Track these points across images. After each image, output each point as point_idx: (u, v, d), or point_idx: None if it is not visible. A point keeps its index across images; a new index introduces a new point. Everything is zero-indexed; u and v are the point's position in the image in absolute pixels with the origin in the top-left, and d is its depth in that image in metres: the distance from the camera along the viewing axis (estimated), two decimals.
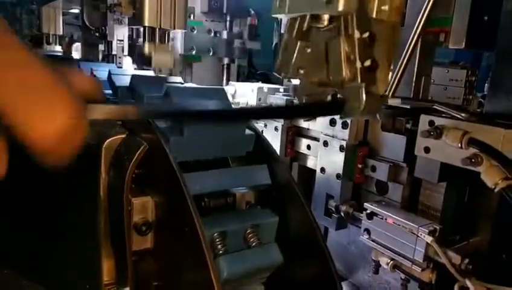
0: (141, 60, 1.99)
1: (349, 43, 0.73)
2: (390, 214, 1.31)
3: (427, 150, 1.26)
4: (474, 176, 1.12)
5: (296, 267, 1.01)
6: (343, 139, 1.52)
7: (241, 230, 0.96)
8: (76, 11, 3.56)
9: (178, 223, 0.83)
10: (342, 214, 1.54)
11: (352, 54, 0.73)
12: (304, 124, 1.75)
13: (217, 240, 0.90)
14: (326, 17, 0.78)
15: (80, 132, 0.45)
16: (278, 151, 1.59)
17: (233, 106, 1.27)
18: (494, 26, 1.20)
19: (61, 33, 3.37)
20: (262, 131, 1.77)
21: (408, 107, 1.36)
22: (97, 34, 2.41)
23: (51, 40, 3.43)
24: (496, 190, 1.05)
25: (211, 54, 2.73)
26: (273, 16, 0.83)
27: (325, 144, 1.59)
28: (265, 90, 2.11)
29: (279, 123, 1.81)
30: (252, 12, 3.02)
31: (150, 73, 1.99)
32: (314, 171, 1.67)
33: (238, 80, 3.04)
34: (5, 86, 0.39)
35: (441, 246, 1.20)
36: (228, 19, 2.89)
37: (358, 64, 0.71)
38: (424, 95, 1.32)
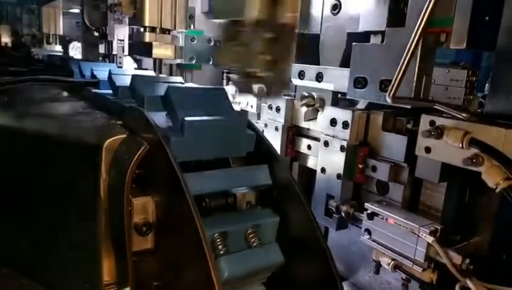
0: (140, 49, 1.97)
1: (261, 42, 0.98)
2: (391, 214, 1.31)
3: (427, 150, 1.26)
4: (475, 176, 1.12)
5: (297, 268, 1.01)
6: (343, 139, 1.52)
7: (242, 230, 0.96)
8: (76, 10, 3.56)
9: (179, 223, 0.83)
10: (343, 214, 1.54)
11: (263, 50, 0.98)
12: (304, 124, 1.75)
13: (218, 240, 0.90)
14: (246, 22, 1.00)
15: None
16: (278, 151, 1.59)
17: (234, 106, 1.26)
18: (495, 27, 1.20)
19: (61, 33, 3.37)
20: (262, 131, 1.77)
21: (409, 107, 1.35)
22: (97, 34, 2.41)
23: (51, 39, 3.43)
24: (497, 190, 1.05)
25: (210, 62, 2.71)
26: (210, 20, 1.14)
27: (326, 144, 1.59)
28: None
29: (280, 123, 1.81)
30: None
31: (151, 73, 1.99)
32: (315, 171, 1.67)
33: None
34: None
35: (442, 246, 1.19)
36: None
37: (264, 58, 0.99)
38: (425, 95, 1.31)
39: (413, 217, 1.29)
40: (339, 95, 1.65)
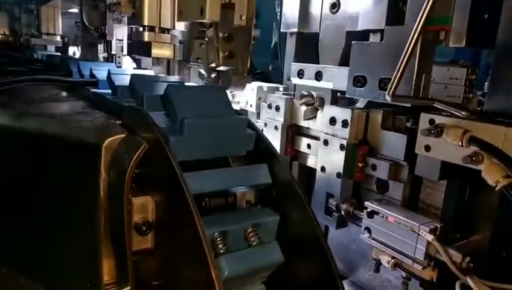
0: (139, 49, 1.96)
1: (217, 40, 1.17)
2: (391, 213, 1.31)
3: (427, 148, 1.26)
4: (475, 174, 1.12)
5: (297, 266, 1.01)
6: (343, 138, 1.52)
7: (242, 229, 0.96)
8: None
9: (179, 222, 0.83)
10: (343, 212, 1.54)
11: (218, 46, 1.17)
12: (304, 123, 1.75)
13: (218, 239, 0.90)
14: (206, 23, 1.17)
15: None
16: (278, 150, 1.59)
17: (233, 105, 1.29)
18: (494, 25, 1.20)
19: (60, 32, 3.36)
20: (262, 130, 1.77)
21: (408, 105, 1.35)
22: (96, 33, 2.41)
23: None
24: (497, 188, 1.05)
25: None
26: (177, 21, 1.32)
27: (325, 142, 1.59)
28: (265, 89, 2.10)
29: (279, 122, 1.80)
30: None
31: (150, 72, 1.99)
32: (315, 170, 1.67)
33: None
34: None
35: (441, 244, 1.19)
36: None
37: (221, 54, 1.17)
38: (424, 94, 1.31)
39: (413, 216, 1.29)
40: (339, 94, 1.65)
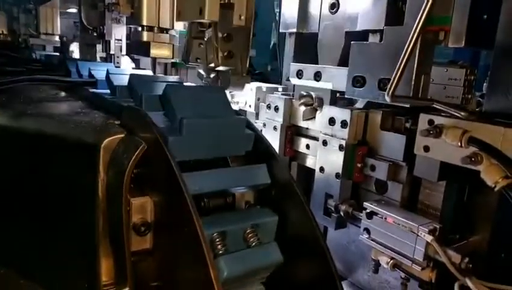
0: (138, 49, 1.95)
1: (216, 40, 1.16)
2: (390, 213, 1.31)
3: (426, 149, 1.26)
4: (474, 175, 1.12)
5: (296, 267, 1.01)
6: (342, 139, 1.52)
7: (241, 230, 0.96)
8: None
9: (177, 223, 0.83)
10: (342, 213, 1.54)
11: (217, 47, 1.16)
12: (303, 123, 1.75)
13: (217, 240, 0.90)
14: (205, 23, 1.16)
15: None
16: (277, 150, 1.59)
17: (232, 105, 1.29)
18: (493, 25, 1.20)
19: (58, 32, 3.35)
20: (261, 130, 1.77)
21: (407, 106, 1.35)
22: (95, 34, 2.40)
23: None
24: (496, 189, 1.05)
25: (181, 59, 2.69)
26: (176, 21, 1.31)
27: (324, 143, 1.58)
28: (264, 89, 2.10)
29: (278, 123, 1.80)
30: None
31: (149, 72, 1.99)
32: (313, 170, 1.67)
33: None
34: None
35: (440, 245, 1.19)
36: None
37: (220, 54, 1.17)
38: (423, 94, 1.31)
39: (412, 216, 1.29)
40: (338, 94, 1.65)
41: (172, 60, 2.56)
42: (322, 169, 1.61)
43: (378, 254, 1.37)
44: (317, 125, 1.66)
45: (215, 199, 1.01)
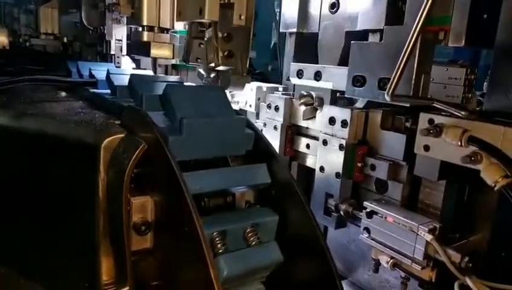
0: (138, 49, 1.95)
1: (216, 40, 1.16)
2: (390, 213, 1.31)
3: (426, 148, 1.26)
4: (474, 174, 1.12)
5: (296, 266, 1.01)
6: (342, 138, 1.52)
7: (241, 229, 0.96)
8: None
9: (178, 222, 0.83)
10: (342, 213, 1.54)
11: (218, 46, 1.16)
12: (303, 123, 1.75)
13: (217, 239, 0.90)
14: (205, 22, 1.16)
15: None
16: (277, 150, 1.59)
17: (233, 105, 1.29)
18: (493, 24, 1.20)
19: (58, 32, 3.35)
20: (261, 130, 1.77)
21: (407, 105, 1.35)
22: (96, 34, 2.40)
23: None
24: (496, 188, 1.05)
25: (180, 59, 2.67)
26: (176, 21, 1.25)
27: (325, 142, 1.59)
28: (264, 89, 2.10)
29: (279, 122, 1.80)
30: None
31: (149, 72, 1.99)
32: (314, 170, 1.67)
33: None
34: None
35: (440, 244, 1.19)
36: None
37: (220, 53, 1.16)
38: (423, 94, 1.31)
39: (412, 216, 1.29)
40: (338, 94, 1.65)
41: (173, 62, 2.56)
42: (322, 169, 1.61)
43: (378, 253, 1.37)
44: (318, 124, 1.66)
45: (216, 199, 1.02)
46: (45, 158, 1.10)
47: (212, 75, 1.37)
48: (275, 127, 1.82)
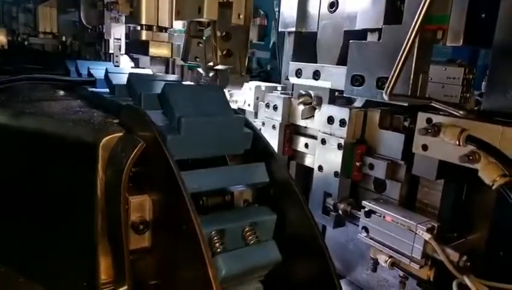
0: (137, 48, 1.94)
1: (215, 39, 1.16)
2: (388, 212, 1.31)
3: (424, 147, 1.26)
4: (472, 173, 1.12)
5: (295, 265, 1.01)
6: (341, 137, 1.52)
7: (239, 228, 0.96)
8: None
9: (176, 221, 0.83)
10: (340, 212, 1.54)
11: (216, 45, 1.16)
12: (301, 122, 1.75)
13: (215, 238, 0.90)
14: (204, 21, 1.16)
15: None
16: (275, 149, 1.59)
17: (231, 104, 1.29)
18: (491, 24, 1.20)
19: (56, 31, 3.35)
20: (260, 129, 1.77)
21: (406, 104, 1.35)
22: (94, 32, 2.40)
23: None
24: (494, 187, 1.05)
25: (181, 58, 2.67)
26: (175, 20, 1.33)
27: (323, 142, 1.59)
28: (263, 88, 2.11)
29: (277, 121, 1.80)
30: (262, 13, 2.95)
31: (148, 71, 1.99)
32: (312, 169, 1.67)
33: None
34: None
35: (439, 243, 1.20)
36: None
37: (219, 53, 1.16)
38: (421, 93, 1.31)
39: (411, 215, 1.29)
40: (336, 93, 1.65)
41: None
42: (320, 168, 1.61)
43: (376, 252, 1.37)
44: (316, 124, 1.67)
45: (214, 198, 1.02)
46: (44, 157, 1.09)
47: (211, 74, 1.38)
48: (274, 127, 1.82)
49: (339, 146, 1.52)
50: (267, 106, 1.86)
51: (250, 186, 1.07)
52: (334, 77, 1.58)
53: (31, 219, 1.12)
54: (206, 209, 0.99)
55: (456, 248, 1.21)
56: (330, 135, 1.56)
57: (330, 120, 1.57)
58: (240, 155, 1.09)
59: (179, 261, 0.84)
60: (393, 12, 1.38)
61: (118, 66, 2.23)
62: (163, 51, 1.26)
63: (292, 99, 1.80)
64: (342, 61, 1.59)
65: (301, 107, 1.70)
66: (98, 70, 1.69)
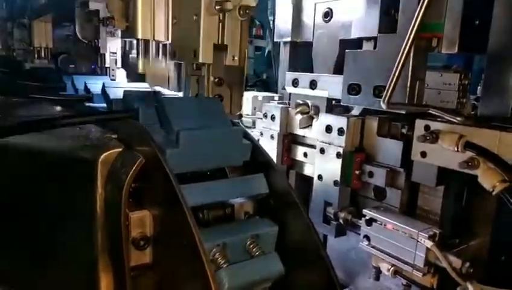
0: (134, 75, 1.95)
1: (208, 83, 1.20)
2: (389, 220, 1.31)
3: (423, 154, 1.26)
4: (472, 179, 1.12)
5: (297, 276, 1.00)
6: (339, 146, 1.52)
7: (241, 241, 0.95)
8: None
9: (177, 236, 0.82)
10: (341, 221, 1.54)
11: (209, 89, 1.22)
12: (300, 131, 1.75)
13: (217, 252, 0.89)
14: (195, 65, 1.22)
15: None
16: (274, 159, 1.59)
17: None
18: (485, 30, 1.22)
19: (51, 46, 3.36)
20: (258, 140, 1.77)
21: (403, 112, 1.36)
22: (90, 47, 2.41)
23: (42, 53, 3.42)
24: (494, 193, 1.05)
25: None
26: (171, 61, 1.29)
27: (322, 151, 1.59)
28: (260, 98, 2.11)
29: (275, 131, 1.80)
30: (258, 23, 2.97)
31: (144, 85, 1.99)
32: (312, 178, 1.67)
33: None
34: None
35: (441, 250, 1.19)
36: None
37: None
38: (418, 100, 1.32)
39: (412, 222, 1.29)
40: (334, 102, 1.66)
41: None
42: (320, 177, 1.61)
43: (378, 260, 1.37)
44: (314, 133, 1.67)
45: (214, 211, 1.01)
46: (42, 174, 1.09)
47: None
48: (272, 136, 1.82)
49: (338, 155, 1.52)
50: (265, 116, 1.86)
51: (250, 198, 1.06)
52: (331, 86, 1.59)
53: (29, 236, 1.11)
54: (207, 223, 0.98)
55: (458, 254, 1.21)
56: (329, 144, 1.56)
57: (328, 129, 1.57)
58: (239, 167, 1.09)
59: (181, 276, 0.83)
60: (388, 21, 1.39)
61: (114, 80, 2.24)
62: (160, 82, 1.27)
63: (289, 109, 1.80)
64: (338, 70, 1.60)
65: (299, 116, 1.70)
66: (95, 85, 1.69)
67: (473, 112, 1.69)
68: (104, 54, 2.24)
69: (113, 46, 2.21)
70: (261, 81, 3.31)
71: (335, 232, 1.59)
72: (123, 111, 1.20)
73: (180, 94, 1.45)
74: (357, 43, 1.52)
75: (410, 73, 1.25)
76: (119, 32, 2.13)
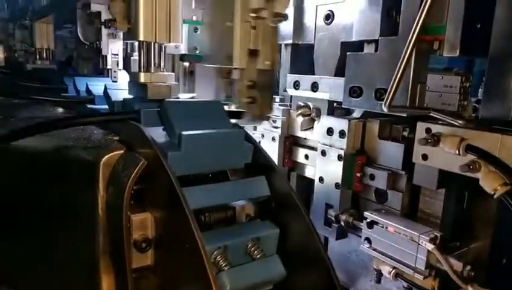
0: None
1: (241, 87, 1.18)
2: (390, 223, 1.31)
3: (425, 157, 1.26)
4: (473, 182, 1.12)
5: (298, 279, 1.00)
6: (340, 148, 1.52)
7: (243, 244, 0.95)
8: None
9: (178, 238, 0.83)
10: (342, 223, 1.54)
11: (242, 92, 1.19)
12: (301, 133, 1.75)
13: (219, 254, 0.90)
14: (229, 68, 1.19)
15: None
16: (275, 161, 1.59)
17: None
18: (487, 33, 1.22)
19: (53, 48, 3.36)
20: (259, 142, 1.77)
21: (404, 115, 1.36)
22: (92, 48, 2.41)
23: (44, 54, 3.42)
24: (495, 196, 1.05)
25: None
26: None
27: (323, 153, 1.59)
28: None
29: (276, 133, 1.81)
30: None
31: None
32: (313, 180, 1.67)
33: None
34: None
35: (442, 253, 1.19)
36: None
37: (243, 99, 1.18)
38: (420, 103, 1.32)
39: (413, 225, 1.29)
40: (335, 104, 1.66)
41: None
42: (321, 179, 1.61)
43: (380, 263, 1.37)
44: (316, 135, 1.67)
45: (216, 213, 1.01)
46: (44, 176, 1.09)
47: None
48: (273, 139, 1.82)
49: (339, 157, 1.52)
50: None
51: (251, 201, 1.07)
52: (332, 88, 1.59)
53: (31, 238, 1.11)
54: (209, 226, 0.99)
55: (460, 257, 1.21)
56: (330, 146, 1.56)
57: (329, 131, 1.57)
58: (241, 169, 1.09)
59: (182, 278, 0.83)
60: (389, 23, 1.39)
61: (116, 81, 2.24)
62: (162, 92, 1.27)
63: (291, 111, 1.80)
64: (339, 72, 1.60)
65: (300, 118, 1.71)
66: (96, 86, 1.69)
67: (474, 114, 1.69)
68: (106, 56, 2.24)
69: (114, 48, 2.21)
70: None
71: (336, 234, 1.59)
72: (125, 113, 1.20)
73: (181, 96, 1.45)
74: (359, 45, 1.53)
75: (411, 76, 1.25)
76: (121, 34, 2.13)
